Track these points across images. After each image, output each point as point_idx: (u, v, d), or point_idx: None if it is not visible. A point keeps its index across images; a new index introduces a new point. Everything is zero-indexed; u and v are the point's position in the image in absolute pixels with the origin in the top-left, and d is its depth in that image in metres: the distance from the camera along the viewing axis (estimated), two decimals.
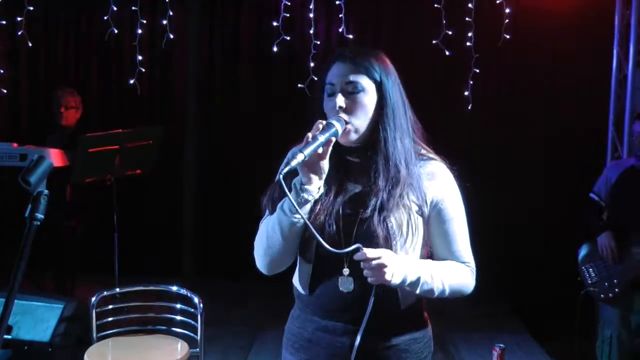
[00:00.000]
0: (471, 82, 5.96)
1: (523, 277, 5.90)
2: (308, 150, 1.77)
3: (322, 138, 1.81)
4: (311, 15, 6.09)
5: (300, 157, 1.75)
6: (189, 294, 3.43)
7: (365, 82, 1.93)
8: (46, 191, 1.66)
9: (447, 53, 5.92)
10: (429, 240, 2.02)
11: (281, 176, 1.76)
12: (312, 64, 5.92)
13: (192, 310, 3.42)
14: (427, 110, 6.58)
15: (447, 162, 2.05)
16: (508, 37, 5.86)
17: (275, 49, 6.08)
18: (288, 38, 6.07)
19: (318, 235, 1.79)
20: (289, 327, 2.11)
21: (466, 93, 5.96)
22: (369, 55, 1.97)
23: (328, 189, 1.93)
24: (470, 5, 5.89)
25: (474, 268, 2.07)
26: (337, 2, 6.06)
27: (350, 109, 1.91)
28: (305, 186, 1.86)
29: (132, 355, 3.35)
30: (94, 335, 3.38)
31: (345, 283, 1.92)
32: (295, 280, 2.07)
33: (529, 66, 6.07)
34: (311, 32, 6.09)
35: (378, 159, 1.93)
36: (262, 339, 5.03)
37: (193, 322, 3.42)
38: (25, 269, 1.66)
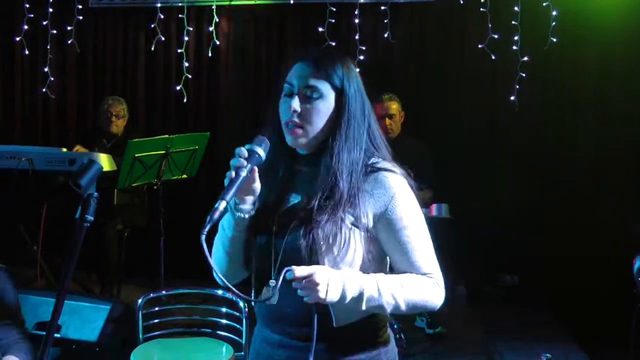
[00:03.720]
0: (517, 87, 5.90)
1: (571, 285, 5.79)
2: (229, 195, 1.72)
3: (244, 173, 1.75)
4: (356, 20, 6.09)
5: (223, 205, 1.70)
6: (234, 298, 3.45)
7: (325, 88, 1.86)
8: (96, 194, 1.69)
9: (493, 57, 5.87)
10: (386, 252, 1.92)
11: (203, 237, 1.64)
12: (357, 70, 5.91)
13: (237, 314, 3.44)
14: (473, 115, 6.54)
15: (405, 175, 1.92)
16: (555, 40, 5.78)
17: None
18: (333, 44, 6.08)
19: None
20: (254, 336, 2.11)
21: (512, 98, 5.90)
22: (333, 60, 1.91)
23: (266, 200, 1.91)
24: (516, 8, 5.83)
25: (439, 278, 1.90)
26: (383, 8, 6.06)
27: (305, 114, 1.85)
28: (240, 206, 1.85)
29: (178, 357, 3.39)
30: (140, 336, 3.42)
31: (269, 294, 1.85)
32: None
33: (577, 70, 5.94)
34: (357, 37, 6.09)
35: (321, 169, 1.87)
36: None
37: (238, 326, 3.44)
38: (74, 270, 1.69)
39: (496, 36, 5.87)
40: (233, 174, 1.75)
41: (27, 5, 6.57)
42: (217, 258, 1.96)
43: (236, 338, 3.46)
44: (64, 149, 5.18)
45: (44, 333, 1.67)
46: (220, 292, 3.49)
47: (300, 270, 1.71)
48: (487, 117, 6.09)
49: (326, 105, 1.87)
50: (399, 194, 1.86)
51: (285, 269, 1.72)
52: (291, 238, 1.83)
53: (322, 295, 1.71)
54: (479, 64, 6.01)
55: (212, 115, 6.57)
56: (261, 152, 1.81)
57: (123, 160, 4.69)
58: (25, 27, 6.61)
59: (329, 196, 1.83)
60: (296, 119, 1.85)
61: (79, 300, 4.02)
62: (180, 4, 6.41)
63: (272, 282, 1.86)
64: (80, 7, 6.54)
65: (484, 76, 6.08)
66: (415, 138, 5.28)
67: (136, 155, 4.69)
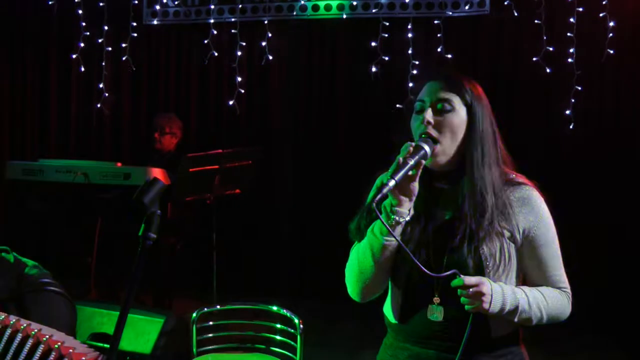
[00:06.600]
0: (573, 100, 5.79)
1: (629, 306, 5.60)
2: (399, 175, 1.78)
3: (412, 161, 1.80)
4: (410, 35, 6.06)
5: (392, 183, 1.77)
6: (289, 314, 3.42)
7: (456, 101, 1.92)
8: (159, 211, 1.69)
9: (547, 70, 5.77)
10: (522, 267, 1.98)
11: (374, 204, 1.77)
12: (410, 85, 5.89)
13: (292, 330, 3.41)
14: (527, 130, 6.41)
15: (538, 187, 2.01)
16: (612, 52, 5.66)
17: (373, 69, 6.08)
18: (386, 58, 6.06)
19: (412, 256, 1.80)
20: (382, 356, 2.10)
21: (568, 112, 5.79)
22: (462, 78, 1.99)
23: (417, 215, 1.92)
24: (571, 19, 5.74)
25: (570, 293, 2.00)
26: (436, 22, 6.02)
27: (438, 127, 1.90)
28: (396, 208, 1.86)
29: None
30: (194, 350, 3.42)
31: (435, 312, 1.92)
32: (387, 308, 2.07)
33: (635, 83, 5.80)
34: (410, 52, 6.06)
35: (465, 185, 1.91)
36: None
37: (292, 343, 3.41)
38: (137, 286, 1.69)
39: (551, 49, 5.77)
40: (401, 160, 1.81)
41: (84, 24, 6.73)
42: (359, 270, 1.97)
43: (290, 355, 3.43)
44: (119, 164, 5.25)
45: (99, 344, 1.67)
46: (275, 307, 3.48)
47: (469, 280, 1.80)
48: (542, 132, 5.97)
49: (459, 118, 1.92)
50: (542, 210, 1.96)
51: (453, 271, 1.82)
52: (455, 256, 1.88)
53: (486, 305, 1.81)
54: (534, 77, 5.91)
55: (265, 129, 6.59)
56: (427, 148, 1.86)
57: (177, 174, 4.73)
58: (82, 44, 6.77)
59: (481, 212, 1.88)
60: (430, 131, 1.89)
61: (133, 313, 4.05)
62: (233, 20, 6.47)
63: (436, 300, 1.91)
64: (134, 24, 6.67)
65: (539, 90, 5.97)
66: None
67: (190, 170, 4.72)
